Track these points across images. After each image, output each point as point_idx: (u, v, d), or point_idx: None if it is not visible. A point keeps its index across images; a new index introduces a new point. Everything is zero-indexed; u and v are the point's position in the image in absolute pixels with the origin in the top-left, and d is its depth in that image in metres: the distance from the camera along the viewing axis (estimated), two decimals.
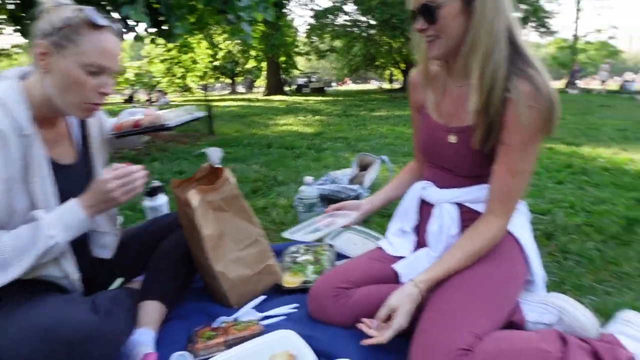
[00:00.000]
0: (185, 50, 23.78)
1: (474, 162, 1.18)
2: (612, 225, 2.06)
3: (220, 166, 1.48)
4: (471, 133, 1.14)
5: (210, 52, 26.48)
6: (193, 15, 4.91)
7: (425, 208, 1.34)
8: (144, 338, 1.20)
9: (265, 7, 4.93)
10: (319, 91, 23.70)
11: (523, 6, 16.77)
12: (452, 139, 1.21)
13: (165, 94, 22.80)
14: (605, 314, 1.34)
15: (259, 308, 1.42)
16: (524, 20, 17.32)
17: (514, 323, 1.17)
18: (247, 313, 1.39)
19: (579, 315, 1.15)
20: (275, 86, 21.39)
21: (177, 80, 27.79)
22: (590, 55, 28.84)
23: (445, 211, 1.26)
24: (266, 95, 20.47)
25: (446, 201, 1.27)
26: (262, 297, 1.45)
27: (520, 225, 1.25)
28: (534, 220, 2.16)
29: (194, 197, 1.35)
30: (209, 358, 1.15)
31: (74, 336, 0.94)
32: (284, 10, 20.53)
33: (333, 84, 40.52)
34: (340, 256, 1.71)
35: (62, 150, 1.20)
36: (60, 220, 1.04)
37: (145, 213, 2.05)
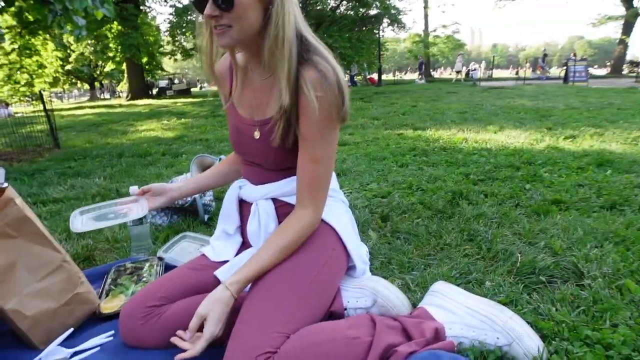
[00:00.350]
0: (28, 53, 20.86)
1: (278, 155, 1.15)
2: (440, 201, 2.23)
3: (5, 185, 1.25)
4: (273, 126, 1.11)
5: (59, 54, 23.65)
6: (11, 9, 4.22)
7: (245, 207, 1.29)
8: None
9: (102, 1, 4.45)
10: (184, 93, 22.38)
11: (377, 3, 17.94)
12: (257, 134, 1.16)
13: (8, 104, 19.79)
14: (424, 287, 1.41)
15: (68, 343, 1.23)
16: (378, 18, 18.55)
17: (334, 312, 1.17)
18: (53, 352, 1.19)
19: (389, 295, 1.19)
20: (139, 90, 19.81)
21: (23, 89, 24.37)
22: (440, 48, 32.09)
23: (261, 208, 1.23)
24: (130, 100, 18.91)
25: (261, 198, 1.23)
26: (70, 330, 1.26)
27: (336, 212, 1.26)
28: (375, 204, 2.27)
29: None
30: None
31: None
32: (141, 7, 19.22)
33: (205, 84, 39.16)
34: (171, 269, 1.58)
35: None
36: None
37: None
